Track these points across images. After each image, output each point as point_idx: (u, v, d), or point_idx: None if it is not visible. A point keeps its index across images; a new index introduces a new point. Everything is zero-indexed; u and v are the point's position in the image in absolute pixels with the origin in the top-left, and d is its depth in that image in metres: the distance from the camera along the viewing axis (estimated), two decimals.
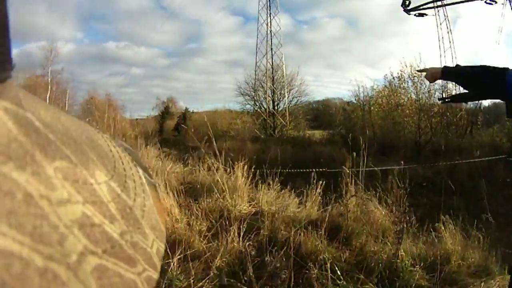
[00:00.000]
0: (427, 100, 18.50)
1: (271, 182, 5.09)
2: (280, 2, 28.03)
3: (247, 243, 3.53)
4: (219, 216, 4.13)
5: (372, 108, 19.75)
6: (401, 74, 19.28)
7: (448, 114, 18.37)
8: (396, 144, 16.81)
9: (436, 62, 23.95)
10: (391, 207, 4.05)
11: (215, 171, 5.24)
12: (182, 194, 4.74)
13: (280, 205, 4.54)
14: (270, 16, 25.06)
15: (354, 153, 4.95)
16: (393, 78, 19.57)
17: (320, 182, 4.66)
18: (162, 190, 4.46)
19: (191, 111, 28.42)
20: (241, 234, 3.58)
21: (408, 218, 3.87)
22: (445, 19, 21.82)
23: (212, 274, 3.11)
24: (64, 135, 0.26)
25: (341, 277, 3.19)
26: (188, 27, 58.67)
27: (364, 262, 3.43)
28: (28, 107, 0.24)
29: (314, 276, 3.14)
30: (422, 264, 3.63)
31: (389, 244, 3.76)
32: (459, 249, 3.90)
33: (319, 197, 4.69)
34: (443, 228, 4.20)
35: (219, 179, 4.87)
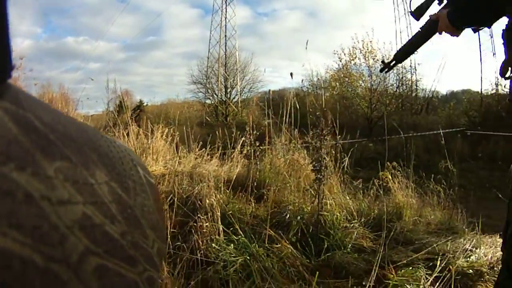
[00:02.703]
0: (381, 81, 18.31)
1: (194, 148, 4.61)
2: None
3: None
4: None
5: (324, 91, 19.60)
6: (352, 50, 18.92)
7: (402, 95, 18.51)
8: (349, 123, 16.60)
9: (392, 41, 24.24)
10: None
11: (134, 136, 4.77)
12: None
13: (193, 164, 4.11)
14: (225, 2, 24.43)
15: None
16: (344, 54, 19.20)
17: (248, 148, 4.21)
18: None
19: (145, 103, 27.91)
20: None
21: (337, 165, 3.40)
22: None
23: None
24: (64, 135, 0.26)
25: (240, 231, 2.74)
26: (148, 19, 57.27)
27: (278, 216, 2.97)
28: (28, 108, 0.24)
29: (204, 228, 2.73)
30: (362, 220, 3.16)
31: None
32: (413, 203, 3.47)
33: (245, 160, 4.19)
34: (390, 178, 3.65)
35: (131, 141, 4.55)
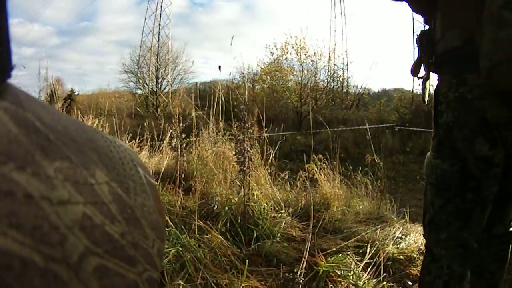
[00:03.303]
0: (311, 76, 18.61)
1: (124, 140, 4.60)
2: None
3: None
4: None
5: (254, 84, 19.67)
6: (285, 45, 19.29)
7: (333, 91, 18.88)
8: (278, 116, 16.75)
9: (325, 39, 24.67)
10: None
11: None
12: None
13: None
14: None
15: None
16: (276, 48, 19.57)
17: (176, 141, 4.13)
18: None
19: (76, 93, 26.88)
20: None
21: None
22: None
23: None
24: (65, 135, 0.25)
25: (171, 222, 2.74)
26: (84, 4, 55.01)
27: (207, 208, 2.96)
28: (28, 108, 0.24)
29: None
30: (290, 210, 3.21)
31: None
32: (341, 194, 3.55)
33: (174, 152, 4.16)
34: (316, 170, 3.73)
35: None
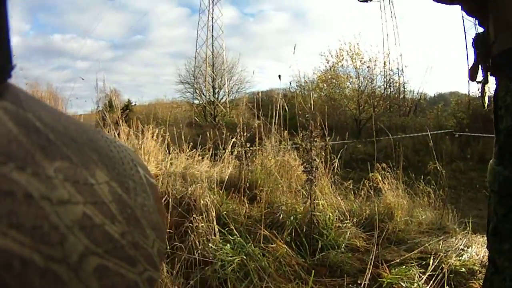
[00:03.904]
0: (368, 83, 18.39)
1: (185, 148, 4.54)
2: None
3: None
4: None
5: (312, 92, 19.61)
6: (339, 52, 18.98)
7: (390, 97, 18.55)
8: (337, 124, 16.55)
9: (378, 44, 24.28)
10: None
11: (124, 137, 4.72)
12: None
13: (185, 165, 4.07)
14: (212, 2, 24.26)
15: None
16: (331, 55, 19.28)
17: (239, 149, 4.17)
18: None
19: (133, 103, 27.67)
20: None
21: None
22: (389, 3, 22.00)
23: None
24: (65, 135, 0.26)
25: (235, 231, 2.76)
26: (135, 18, 56.01)
27: (272, 217, 2.94)
28: (28, 108, 0.24)
29: (200, 229, 2.72)
30: (354, 220, 3.16)
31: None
32: (404, 204, 3.47)
33: (236, 161, 4.14)
34: (380, 179, 3.66)
35: (122, 141, 4.27)
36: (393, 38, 21.32)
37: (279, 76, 5.43)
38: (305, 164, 3.02)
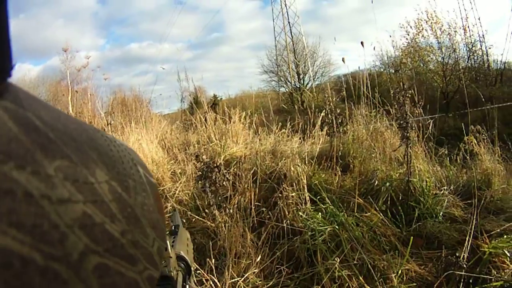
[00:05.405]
0: (451, 54, 17.75)
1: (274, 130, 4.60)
2: None
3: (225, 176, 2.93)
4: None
5: (397, 68, 18.99)
6: (418, 22, 18.39)
7: (475, 67, 17.58)
8: (425, 98, 15.98)
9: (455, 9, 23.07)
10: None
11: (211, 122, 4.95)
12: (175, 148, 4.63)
13: (273, 144, 4.10)
14: None
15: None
16: (410, 26, 18.62)
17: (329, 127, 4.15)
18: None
19: (219, 97, 28.47)
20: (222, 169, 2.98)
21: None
22: None
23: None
24: (64, 134, 0.26)
25: (328, 200, 2.70)
26: (208, 17, 57.60)
27: (366, 185, 2.90)
28: (28, 107, 0.24)
29: (290, 199, 2.70)
30: (452, 188, 3.04)
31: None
32: (501, 169, 3.30)
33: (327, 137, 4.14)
34: (475, 142, 3.49)
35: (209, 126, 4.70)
36: (468, 2, 19.89)
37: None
38: (399, 121, 2.95)
